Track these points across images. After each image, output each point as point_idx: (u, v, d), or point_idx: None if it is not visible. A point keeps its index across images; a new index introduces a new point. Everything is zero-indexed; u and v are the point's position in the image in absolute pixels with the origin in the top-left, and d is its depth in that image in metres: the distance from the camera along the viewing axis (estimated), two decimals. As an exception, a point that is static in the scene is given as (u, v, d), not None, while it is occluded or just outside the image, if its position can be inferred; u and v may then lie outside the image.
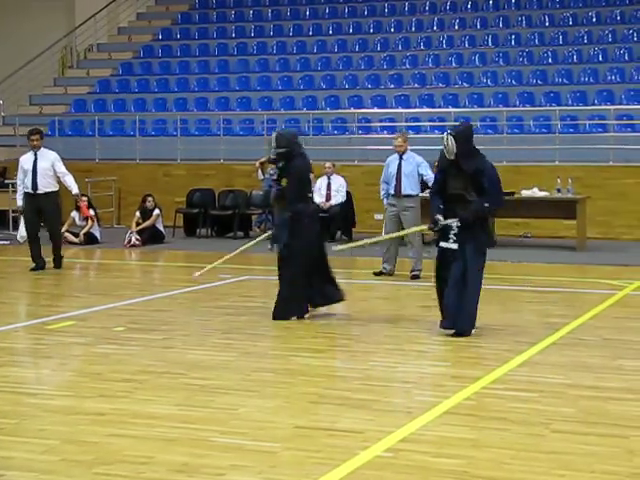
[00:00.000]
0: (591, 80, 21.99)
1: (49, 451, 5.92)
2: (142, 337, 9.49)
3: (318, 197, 18.33)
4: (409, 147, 14.26)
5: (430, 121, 21.44)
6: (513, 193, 17.48)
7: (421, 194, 14.02)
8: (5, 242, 18.59)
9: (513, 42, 23.99)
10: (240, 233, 19.63)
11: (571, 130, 20.38)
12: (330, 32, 26.04)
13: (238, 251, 11.82)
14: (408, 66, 23.91)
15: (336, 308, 11.07)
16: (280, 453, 5.90)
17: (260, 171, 19.51)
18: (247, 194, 20.13)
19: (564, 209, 17.08)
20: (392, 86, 23.24)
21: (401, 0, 26.34)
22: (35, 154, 14.57)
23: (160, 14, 28.84)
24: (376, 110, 22.31)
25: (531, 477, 5.53)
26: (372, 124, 21.96)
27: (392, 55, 24.39)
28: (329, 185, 18.60)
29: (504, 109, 20.97)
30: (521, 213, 17.77)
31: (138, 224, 18.33)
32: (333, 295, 10.87)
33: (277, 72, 24.83)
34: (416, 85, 23.11)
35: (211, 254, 16.80)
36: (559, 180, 17.27)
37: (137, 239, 17.95)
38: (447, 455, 5.86)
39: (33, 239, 14.53)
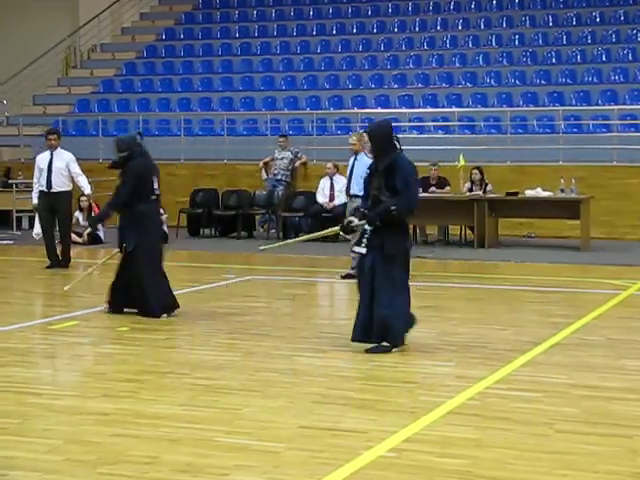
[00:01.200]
0: (595, 80, 21.99)
1: (53, 451, 5.93)
2: (146, 337, 9.49)
3: (321, 197, 18.37)
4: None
5: (434, 121, 21.45)
6: (517, 193, 17.50)
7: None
8: (8, 242, 18.60)
9: (517, 42, 23.99)
10: (244, 233, 19.64)
11: (575, 130, 20.37)
12: (334, 32, 26.04)
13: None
14: (412, 66, 23.92)
15: (341, 309, 11.06)
16: (284, 453, 5.91)
17: (264, 171, 19.55)
18: (251, 194, 20.13)
19: (568, 209, 17.08)
20: (396, 86, 23.25)
21: (405, 0, 26.35)
22: (51, 153, 14.71)
23: (163, 14, 28.86)
24: (380, 110, 22.29)
25: (534, 477, 5.53)
26: (376, 124, 21.92)
27: (396, 55, 24.39)
28: (332, 185, 18.63)
29: (508, 109, 20.97)
30: (525, 213, 17.79)
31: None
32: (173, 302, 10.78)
33: (281, 72, 24.84)
34: (420, 85, 23.11)
35: (215, 254, 16.89)
36: (562, 180, 17.27)
37: (140, 239, 17.92)
38: (451, 455, 5.86)
39: (48, 237, 14.67)
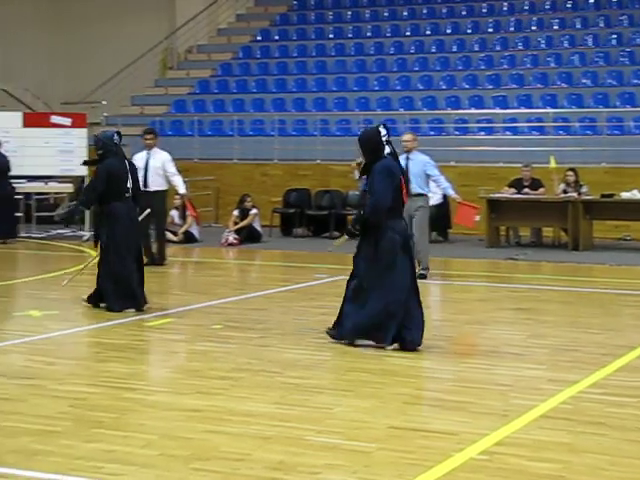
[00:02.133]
0: (695, 80, 21.56)
1: (148, 445, 6.03)
2: (239, 335, 9.59)
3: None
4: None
5: (528, 122, 21.23)
6: (612, 195, 17.23)
7: None
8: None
9: (614, 42, 23.60)
10: (336, 233, 19.68)
11: (673, 131, 20.00)
12: (428, 32, 25.95)
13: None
14: (506, 66, 23.71)
15: (432, 309, 11.03)
16: (374, 453, 5.92)
17: (357, 171, 19.48)
18: (343, 194, 20.19)
19: (665, 211, 16.78)
20: (490, 86, 23.08)
21: (500, 0, 26.13)
22: (148, 153, 14.95)
23: (259, 15, 29.07)
24: (473, 111, 22.17)
25: (628, 483, 5.46)
26: (469, 125, 21.84)
27: (490, 55, 24.21)
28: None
29: (604, 109, 20.66)
30: (620, 215, 17.51)
31: (236, 223, 18.54)
32: (137, 303, 10.96)
33: (374, 72, 24.84)
34: (514, 85, 22.90)
35: (307, 254, 16.98)
36: (660, 182, 16.97)
37: (235, 238, 18.16)
38: (543, 459, 5.81)
39: (145, 235, 14.90)
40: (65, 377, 7.85)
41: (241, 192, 19.50)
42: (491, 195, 17.94)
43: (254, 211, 18.61)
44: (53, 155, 18.76)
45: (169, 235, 18.10)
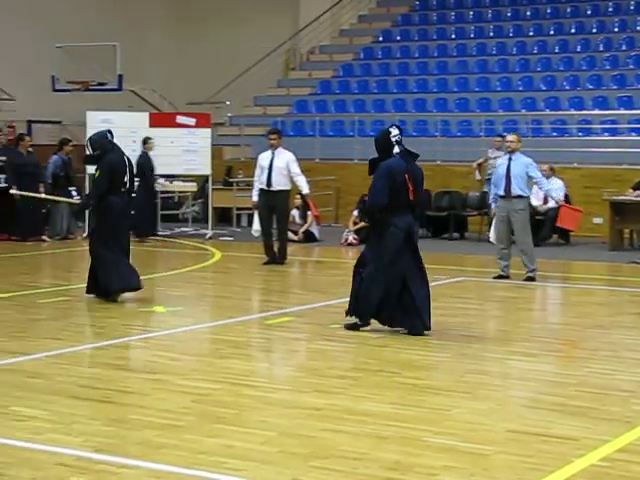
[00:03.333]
0: None
1: (268, 442, 6.13)
2: (357, 335, 9.64)
3: (535, 200, 18.00)
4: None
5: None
6: None
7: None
8: (229, 238, 19.25)
9: None
10: (456, 234, 19.62)
11: None
12: (551, 32, 25.62)
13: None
14: (632, 66, 23.24)
15: (553, 313, 10.91)
16: (493, 456, 5.91)
17: (477, 172, 19.45)
18: (463, 195, 20.09)
19: None
20: (614, 87, 22.65)
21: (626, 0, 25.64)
22: (272, 153, 15.12)
23: (381, 16, 29.11)
24: (597, 112, 21.80)
25: None
26: (593, 126, 21.49)
27: (615, 55, 23.77)
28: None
29: None
30: None
31: (355, 223, 18.62)
32: (132, 282, 11.45)
33: (496, 73, 24.64)
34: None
35: (426, 255, 16.90)
36: None
37: (354, 238, 18.24)
38: (665, 467, 5.71)
39: (267, 233, 15.13)
40: (188, 373, 8.02)
41: (361, 192, 19.54)
42: (614, 197, 17.63)
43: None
44: (178, 154, 19.13)
45: (290, 234, 18.31)
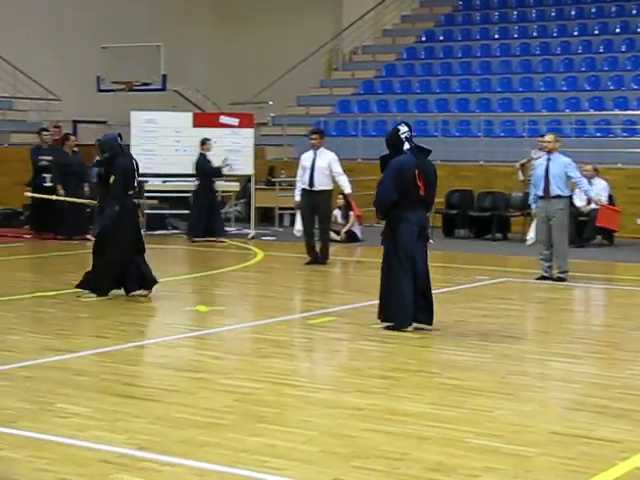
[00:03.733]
0: None
1: (309, 442, 6.15)
2: (398, 335, 9.63)
3: (579, 201, 17.87)
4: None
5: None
6: None
7: None
8: (271, 238, 19.30)
9: None
10: (498, 235, 19.54)
11: None
12: (595, 32, 25.44)
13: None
14: (676, 66, 23.04)
15: (596, 314, 10.83)
16: (535, 458, 5.89)
17: (520, 172, 19.33)
18: (506, 196, 20.01)
19: None
20: (661, 87, 22.47)
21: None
22: (315, 153, 15.15)
23: (424, 16, 29.06)
24: (642, 112, 21.63)
25: None
26: (637, 126, 21.31)
27: (661, 54, 23.57)
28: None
29: None
30: None
31: (397, 224, 18.57)
32: (150, 279, 11.69)
33: (540, 73, 24.51)
34: (686, 86, 22.24)
35: (468, 255, 16.91)
36: None
37: (396, 238, 18.19)
38: None
39: (309, 233, 15.16)
40: (231, 372, 8.07)
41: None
42: (660, 198, 17.48)
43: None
44: (221, 154, 19.21)
45: (332, 234, 18.34)
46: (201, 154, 18.66)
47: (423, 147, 9.99)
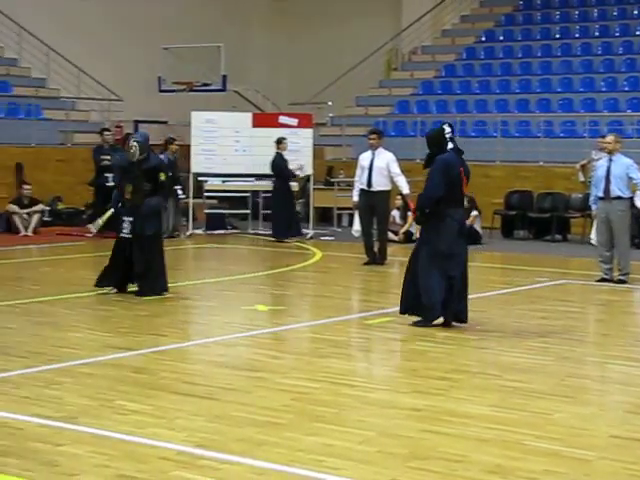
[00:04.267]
0: None
1: (366, 442, 6.15)
2: (457, 336, 9.61)
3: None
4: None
5: None
6: None
7: None
8: (329, 238, 19.32)
9: None
10: (558, 236, 19.38)
11: None
12: (659, 31, 25.13)
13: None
14: None
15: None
16: (595, 462, 5.83)
17: (581, 173, 19.15)
18: (566, 197, 19.84)
19: None
20: None
21: None
22: (373, 153, 15.15)
23: (484, 16, 28.89)
24: None
25: None
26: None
27: None
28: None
29: None
30: None
31: (456, 224, 18.50)
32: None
33: (601, 73, 24.25)
34: None
35: (528, 256, 16.79)
36: None
37: (455, 239, 18.12)
38: None
39: (367, 234, 15.16)
40: (288, 371, 8.09)
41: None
42: None
43: (474, 212, 18.54)
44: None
45: (390, 235, 18.30)
46: (277, 153, 18.70)
47: (460, 148, 10.23)
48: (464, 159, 10.20)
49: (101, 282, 11.92)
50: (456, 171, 9.98)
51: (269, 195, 20.36)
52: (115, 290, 11.82)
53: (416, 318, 10.07)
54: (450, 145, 10.07)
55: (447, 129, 10.15)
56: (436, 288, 9.85)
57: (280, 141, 18.75)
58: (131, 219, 11.79)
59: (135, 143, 11.88)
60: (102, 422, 6.46)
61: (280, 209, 18.61)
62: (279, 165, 18.53)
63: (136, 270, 11.70)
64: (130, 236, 11.74)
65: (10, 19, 24.28)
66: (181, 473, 5.52)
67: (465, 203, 18.00)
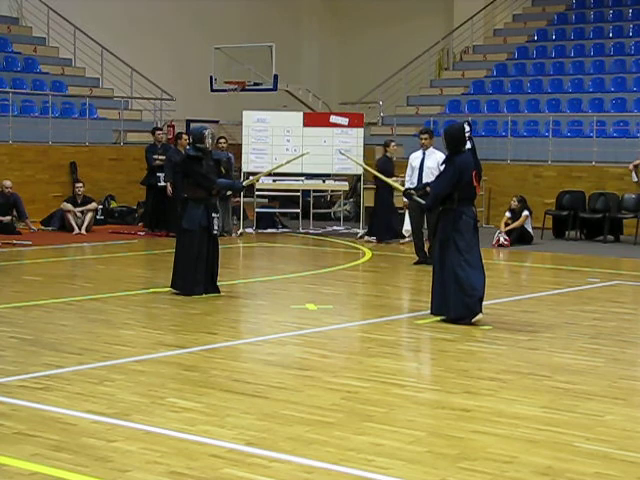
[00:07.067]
0: None
1: (416, 442, 6.16)
2: (508, 337, 9.58)
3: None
4: None
5: None
6: None
7: None
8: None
9: None
10: (610, 237, 19.21)
11: None
12: None
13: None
14: None
15: None
16: (646, 465, 5.80)
17: (634, 174, 18.99)
18: (619, 197, 19.66)
19: None
20: None
21: None
22: (424, 153, 15.15)
23: (536, 15, 28.70)
24: None
25: None
26: None
27: None
28: None
29: None
30: None
31: (507, 224, 18.44)
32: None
33: (655, 72, 24.02)
34: None
35: (579, 257, 16.66)
36: None
37: (505, 239, 18.07)
38: None
39: (417, 234, 15.14)
40: (338, 370, 8.12)
41: (513, 193, 19.39)
42: None
43: (526, 212, 18.44)
44: (331, 154, 19.30)
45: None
46: (385, 156, 18.60)
47: (475, 148, 10.44)
48: (478, 159, 10.35)
49: (193, 289, 11.71)
50: (469, 173, 10.20)
51: (320, 195, 20.46)
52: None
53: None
54: (468, 145, 10.24)
55: (467, 128, 10.29)
56: (476, 285, 10.08)
57: (388, 144, 18.63)
58: (218, 215, 11.93)
59: (209, 132, 11.95)
60: (154, 419, 6.53)
61: (382, 211, 18.45)
62: (385, 168, 18.35)
63: (215, 269, 11.80)
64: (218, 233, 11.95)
65: (66, 20, 24.58)
66: (231, 470, 5.57)
67: (515, 203, 18.12)
